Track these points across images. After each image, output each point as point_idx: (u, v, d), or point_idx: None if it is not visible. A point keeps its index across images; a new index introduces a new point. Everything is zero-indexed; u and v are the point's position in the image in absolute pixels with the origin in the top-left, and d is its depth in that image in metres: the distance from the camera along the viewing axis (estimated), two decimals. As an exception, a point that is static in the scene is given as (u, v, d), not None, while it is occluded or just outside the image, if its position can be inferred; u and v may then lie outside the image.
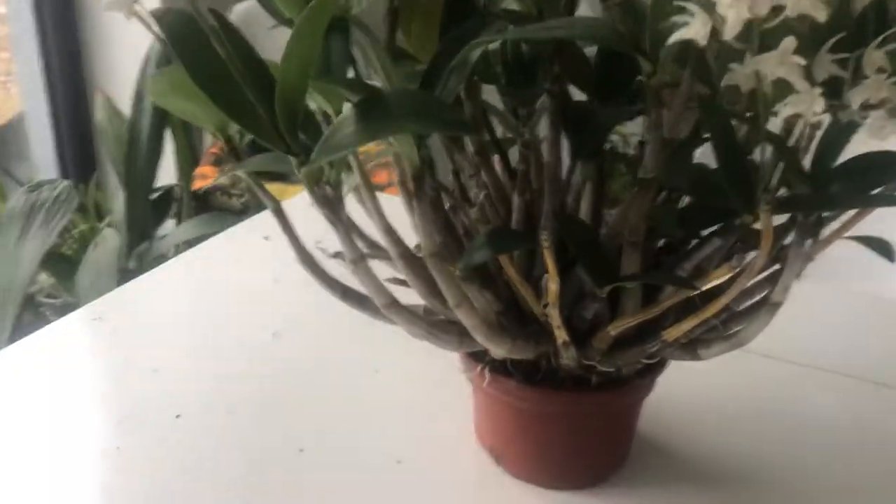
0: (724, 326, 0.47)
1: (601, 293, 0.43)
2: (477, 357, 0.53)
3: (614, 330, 0.45)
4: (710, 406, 0.63)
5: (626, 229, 0.42)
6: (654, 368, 0.52)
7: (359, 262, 0.42)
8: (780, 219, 0.45)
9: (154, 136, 1.57)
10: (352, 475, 0.55)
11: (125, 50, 2.03)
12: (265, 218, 0.95)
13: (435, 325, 0.46)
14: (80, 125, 2.11)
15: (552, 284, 0.40)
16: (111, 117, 1.72)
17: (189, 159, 1.68)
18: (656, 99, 0.36)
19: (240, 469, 0.55)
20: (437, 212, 0.44)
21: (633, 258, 0.43)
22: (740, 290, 0.41)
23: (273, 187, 1.69)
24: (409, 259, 0.46)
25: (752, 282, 0.44)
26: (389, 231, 0.46)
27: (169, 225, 1.75)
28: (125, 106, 1.67)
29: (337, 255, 0.52)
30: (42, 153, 2.15)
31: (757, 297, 0.47)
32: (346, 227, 0.40)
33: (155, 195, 1.72)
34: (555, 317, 0.44)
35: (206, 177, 1.77)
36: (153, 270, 0.82)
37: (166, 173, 1.73)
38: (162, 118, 1.54)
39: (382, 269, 0.51)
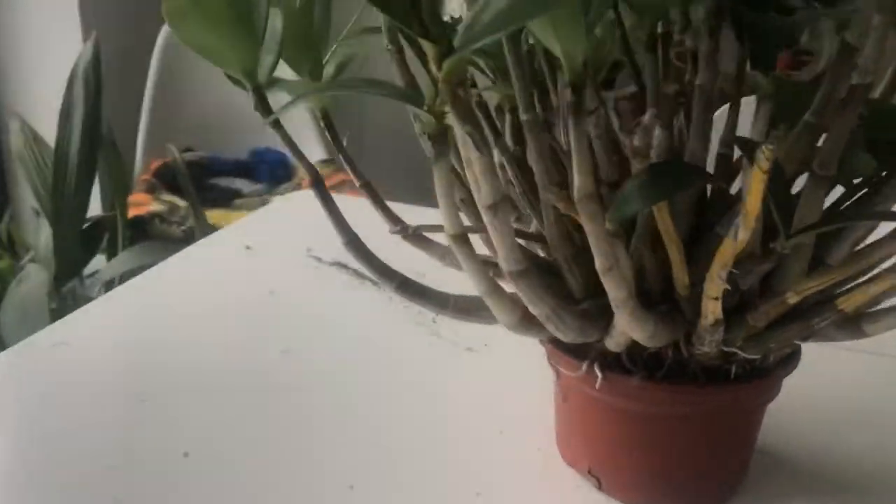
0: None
1: (784, 247, 0.33)
2: (577, 353, 0.42)
3: (795, 297, 0.35)
4: (828, 410, 0.54)
5: (816, 160, 0.33)
6: (794, 356, 0.43)
7: (499, 206, 0.30)
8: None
9: (84, 162, 1.42)
10: (422, 514, 0.44)
11: (43, 72, 1.86)
12: (242, 227, 0.83)
13: (560, 305, 0.35)
14: (-9, 157, 1.93)
15: (744, 231, 0.30)
16: (30, 143, 1.56)
17: (122, 186, 1.53)
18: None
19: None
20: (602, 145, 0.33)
21: (816, 201, 0.34)
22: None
23: (213, 214, 1.54)
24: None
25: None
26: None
27: (100, 259, 1.58)
28: (45, 131, 1.52)
29: (400, 230, 0.41)
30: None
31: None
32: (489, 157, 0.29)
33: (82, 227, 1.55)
34: (717, 284, 0.34)
35: (141, 204, 1.61)
36: (118, 289, 0.69)
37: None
38: (93, 141, 1.38)
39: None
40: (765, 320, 0.37)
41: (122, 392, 0.53)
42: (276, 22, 0.40)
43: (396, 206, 0.90)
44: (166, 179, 1.66)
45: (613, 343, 0.39)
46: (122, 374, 0.56)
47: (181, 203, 1.62)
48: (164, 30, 1.89)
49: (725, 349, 0.40)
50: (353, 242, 0.44)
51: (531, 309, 0.35)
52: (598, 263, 0.32)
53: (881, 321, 0.39)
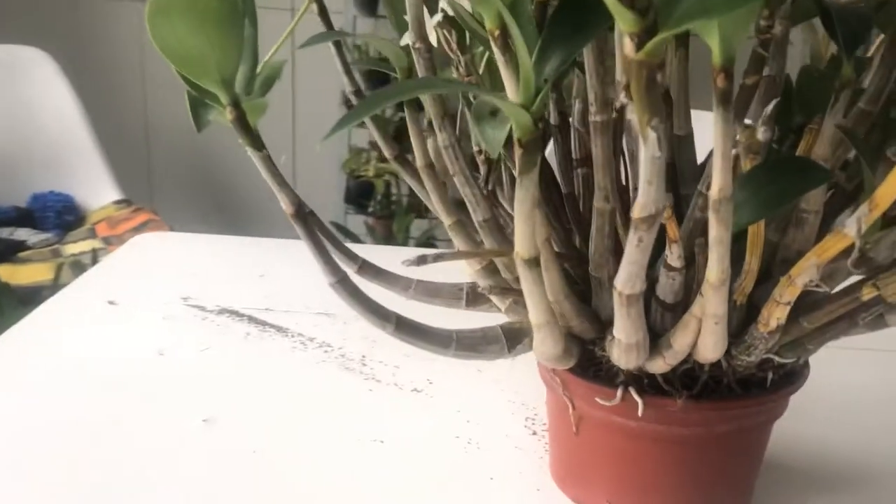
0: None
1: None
2: (602, 381, 0.38)
3: (872, 292, 0.33)
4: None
5: None
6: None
7: (657, 219, 0.25)
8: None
9: None
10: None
11: None
12: (90, 280, 0.70)
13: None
14: None
15: (866, 225, 0.28)
16: None
17: None
18: None
19: None
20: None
21: None
22: None
23: (2, 269, 1.33)
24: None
25: None
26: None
27: None
28: None
29: (420, 260, 0.35)
30: None
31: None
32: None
33: None
34: (798, 286, 0.32)
35: None
36: (-40, 370, 0.55)
37: None
38: None
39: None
40: (824, 321, 0.35)
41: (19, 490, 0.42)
42: (248, 28, 0.33)
43: (209, 238, 0.81)
44: (242, 122, 1.38)
45: (663, 364, 0.36)
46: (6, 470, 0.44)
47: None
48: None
49: (765, 356, 0.38)
50: (343, 282, 0.37)
51: (628, 336, 0.31)
52: (716, 276, 0.28)
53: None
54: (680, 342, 0.34)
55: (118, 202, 1.75)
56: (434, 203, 0.43)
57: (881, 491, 0.46)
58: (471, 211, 0.36)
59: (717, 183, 0.25)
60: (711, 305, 0.29)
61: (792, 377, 0.40)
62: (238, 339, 0.60)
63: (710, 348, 0.32)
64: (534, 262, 0.29)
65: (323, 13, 0.43)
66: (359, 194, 1.89)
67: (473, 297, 0.47)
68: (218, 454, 0.46)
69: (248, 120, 0.33)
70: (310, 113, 2.14)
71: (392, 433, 0.49)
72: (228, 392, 0.53)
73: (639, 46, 0.19)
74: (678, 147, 0.37)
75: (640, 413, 0.37)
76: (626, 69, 0.20)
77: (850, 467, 0.48)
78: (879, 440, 0.50)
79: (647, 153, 0.22)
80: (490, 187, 0.44)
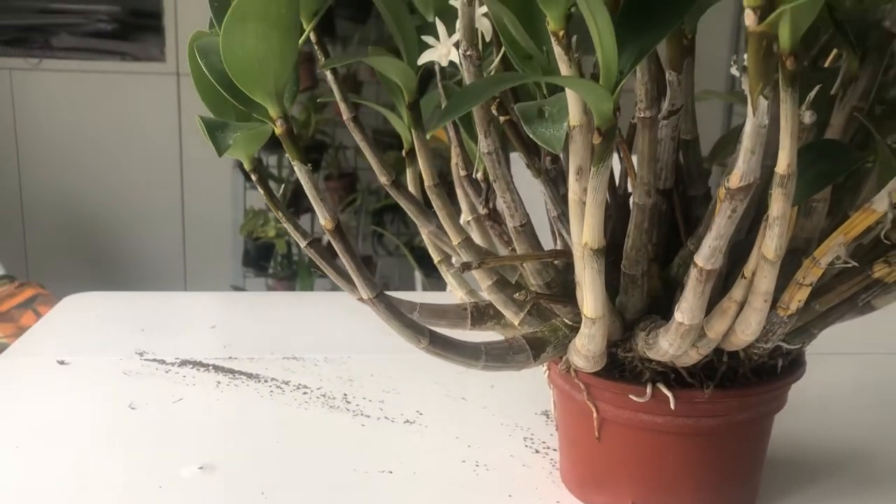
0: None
1: None
2: (628, 380, 0.40)
3: (884, 269, 0.36)
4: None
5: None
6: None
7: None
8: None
9: None
10: None
11: None
12: (31, 341, 0.66)
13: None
14: None
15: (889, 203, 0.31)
16: None
17: None
18: None
19: None
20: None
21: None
22: None
23: None
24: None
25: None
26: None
27: None
28: None
29: (465, 266, 0.36)
30: None
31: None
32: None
33: None
34: (822, 266, 0.34)
35: None
36: None
37: None
38: None
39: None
40: (834, 302, 0.38)
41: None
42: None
43: (142, 295, 0.79)
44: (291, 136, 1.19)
45: (695, 355, 0.37)
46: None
47: None
48: None
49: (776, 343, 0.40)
50: (380, 297, 0.37)
51: (693, 316, 0.32)
52: (774, 251, 0.30)
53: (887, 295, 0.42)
54: (716, 329, 0.36)
55: (0, 278, 1.65)
56: (442, 220, 0.44)
57: (864, 477, 0.49)
58: (507, 217, 0.37)
59: (785, 160, 0.27)
60: (764, 283, 0.31)
61: (796, 365, 0.42)
62: (210, 388, 0.58)
63: (753, 328, 0.34)
64: (601, 253, 0.30)
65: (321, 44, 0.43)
66: (258, 256, 1.86)
67: (478, 317, 0.48)
68: (224, 499, 0.44)
69: (295, 136, 0.33)
70: (199, 178, 2.09)
71: (398, 463, 0.48)
72: (218, 438, 0.51)
73: (760, 19, 0.21)
74: (686, 150, 0.39)
75: (672, 406, 0.39)
76: (748, 39, 0.22)
77: (839, 460, 0.51)
78: (867, 435, 0.54)
79: (755, 122, 0.23)
80: (491, 206, 0.45)
